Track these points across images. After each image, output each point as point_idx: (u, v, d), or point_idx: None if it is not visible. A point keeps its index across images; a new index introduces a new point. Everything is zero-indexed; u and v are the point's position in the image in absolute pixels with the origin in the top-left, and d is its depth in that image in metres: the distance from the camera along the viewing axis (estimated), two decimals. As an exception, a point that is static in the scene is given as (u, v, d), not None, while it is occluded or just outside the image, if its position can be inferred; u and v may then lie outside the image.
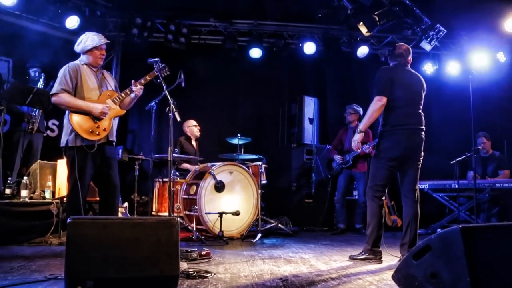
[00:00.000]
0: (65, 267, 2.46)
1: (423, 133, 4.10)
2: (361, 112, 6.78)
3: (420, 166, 4.11)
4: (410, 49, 4.30)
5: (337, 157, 6.85)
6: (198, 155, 6.82)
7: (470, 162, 6.88)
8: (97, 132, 3.88)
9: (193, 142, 7.00)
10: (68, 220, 2.56)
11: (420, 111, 4.14)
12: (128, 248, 2.56)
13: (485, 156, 6.97)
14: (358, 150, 4.33)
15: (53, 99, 3.88)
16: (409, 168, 4.08)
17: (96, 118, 3.88)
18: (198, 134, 7.01)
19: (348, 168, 6.75)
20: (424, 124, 4.12)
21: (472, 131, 5.78)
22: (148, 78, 4.18)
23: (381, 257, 4.05)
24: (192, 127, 6.96)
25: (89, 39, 4.05)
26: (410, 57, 4.27)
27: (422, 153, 4.10)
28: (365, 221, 6.55)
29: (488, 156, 6.97)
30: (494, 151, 7.01)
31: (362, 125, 4.14)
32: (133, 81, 4.11)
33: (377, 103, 4.02)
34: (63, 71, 3.93)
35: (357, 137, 4.19)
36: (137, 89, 4.07)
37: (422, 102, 4.18)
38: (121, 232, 2.58)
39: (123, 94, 4.08)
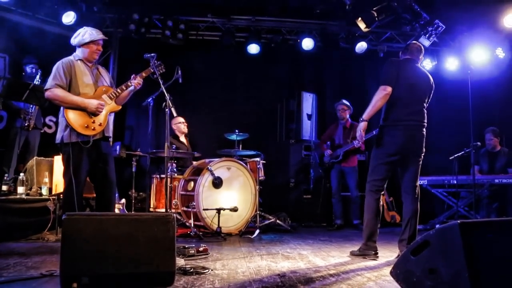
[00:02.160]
0: (60, 263, 2.44)
1: (424, 129, 4.06)
2: (351, 108, 6.83)
3: (421, 162, 4.06)
4: (423, 49, 4.28)
5: (327, 152, 6.88)
6: (190, 151, 6.80)
7: (477, 158, 6.87)
8: (92, 127, 3.86)
9: (182, 139, 6.97)
10: (64, 217, 2.54)
11: (423, 108, 4.09)
12: (124, 244, 2.54)
13: (493, 152, 6.89)
14: (361, 140, 4.22)
15: (47, 94, 3.85)
16: (410, 164, 4.04)
17: (91, 113, 3.86)
18: (185, 130, 7.00)
19: (338, 163, 6.75)
20: (426, 120, 4.08)
21: (470, 126, 5.77)
22: (144, 74, 4.16)
23: (376, 253, 3.99)
24: (179, 124, 6.94)
25: (87, 33, 4.03)
26: (421, 56, 4.24)
27: (424, 150, 4.06)
28: (362, 216, 6.58)
29: (496, 152, 6.89)
30: (503, 147, 6.96)
31: (366, 114, 4.04)
32: (133, 75, 4.09)
33: (382, 92, 3.95)
34: (56, 67, 3.90)
35: (361, 126, 4.08)
36: (136, 82, 4.05)
37: (428, 100, 4.15)
38: (116, 228, 2.56)
39: (119, 90, 4.05)
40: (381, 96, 3.96)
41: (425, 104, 4.11)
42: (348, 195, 7.16)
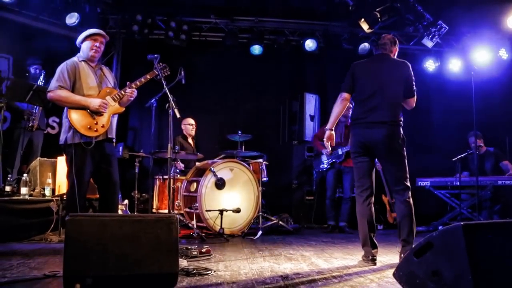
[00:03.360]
0: (63, 264, 2.44)
1: (389, 126, 3.74)
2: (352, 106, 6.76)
3: (399, 162, 3.77)
4: (396, 39, 4.07)
5: (326, 151, 6.50)
6: (196, 152, 6.81)
7: (466, 161, 6.90)
8: (95, 129, 3.86)
9: (190, 140, 7.00)
10: (67, 218, 2.54)
11: (392, 101, 3.79)
12: (127, 246, 2.54)
13: (480, 154, 6.92)
14: (329, 149, 4.20)
15: (49, 95, 3.87)
16: (385, 166, 3.89)
17: (94, 113, 3.86)
18: (192, 133, 7.01)
19: (339, 163, 6.57)
20: (394, 116, 3.76)
21: (474, 128, 5.75)
22: (148, 77, 4.15)
23: (372, 258, 3.75)
24: (187, 126, 6.97)
25: (86, 31, 4.05)
26: (395, 47, 4.03)
27: (396, 148, 3.75)
28: (350, 218, 6.51)
29: (482, 154, 6.95)
30: (487, 147, 7.00)
31: (329, 123, 4.01)
32: (128, 82, 4.08)
33: (338, 99, 3.94)
34: (60, 68, 3.92)
35: (326, 135, 4.03)
36: (129, 92, 4.04)
37: (404, 92, 3.84)
38: (120, 229, 2.56)
39: (122, 92, 4.05)
40: (337, 103, 3.94)
41: (393, 97, 3.80)
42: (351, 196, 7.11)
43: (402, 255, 3.68)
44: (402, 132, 3.83)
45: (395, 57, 4.07)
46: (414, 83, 3.90)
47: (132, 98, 4.10)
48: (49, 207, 4.99)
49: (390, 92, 3.83)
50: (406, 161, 3.84)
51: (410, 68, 3.92)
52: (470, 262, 2.08)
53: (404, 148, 3.84)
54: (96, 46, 4.03)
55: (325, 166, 6.67)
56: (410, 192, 3.80)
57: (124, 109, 4.15)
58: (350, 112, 6.66)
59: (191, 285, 2.80)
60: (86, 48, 4.02)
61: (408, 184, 3.81)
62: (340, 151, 6.47)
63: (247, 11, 7.98)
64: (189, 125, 6.97)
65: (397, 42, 4.11)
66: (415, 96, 3.92)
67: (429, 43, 7.48)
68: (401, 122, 3.83)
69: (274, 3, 7.78)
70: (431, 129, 8.54)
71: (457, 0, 7.09)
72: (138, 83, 4.10)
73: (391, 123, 3.77)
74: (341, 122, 6.72)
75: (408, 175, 3.83)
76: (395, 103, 3.83)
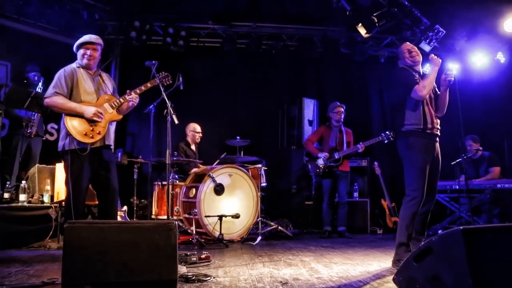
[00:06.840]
0: (62, 271, 2.44)
1: (398, 133, 4.12)
2: None
3: (404, 168, 3.99)
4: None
5: (323, 155, 6.48)
6: (198, 159, 6.81)
7: (461, 166, 6.91)
8: (91, 135, 3.84)
9: (193, 147, 6.99)
10: (65, 225, 2.54)
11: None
12: (126, 252, 2.54)
13: (476, 158, 6.97)
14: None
15: (46, 101, 3.87)
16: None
17: (90, 121, 3.85)
18: (198, 140, 7.00)
19: (336, 166, 6.48)
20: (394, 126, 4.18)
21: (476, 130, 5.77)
22: (148, 85, 4.12)
23: None
24: (194, 133, 6.95)
25: (82, 38, 4.04)
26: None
27: (401, 157, 4.03)
28: (348, 223, 6.49)
29: (478, 158, 6.99)
30: (483, 151, 7.01)
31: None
32: (128, 91, 4.06)
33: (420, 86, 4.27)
34: (58, 75, 3.91)
35: None
36: (132, 97, 4.02)
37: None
38: (118, 236, 2.55)
39: (121, 99, 4.03)
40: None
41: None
42: (352, 201, 7.08)
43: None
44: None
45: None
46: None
47: (134, 104, 4.07)
48: (48, 213, 4.98)
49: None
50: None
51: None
52: (470, 267, 2.07)
53: None
54: (87, 54, 4.01)
55: (322, 169, 6.53)
56: (407, 197, 3.90)
57: (121, 116, 4.13)
58: (343, 117, 6.64)
59: (191, 291, 2.80)
60: (79, 56, 4.02)
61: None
62: (336, 156, 6.43)
63: (244, 16, 7.99)
64: (196, 133, 6.96)
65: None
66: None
67: (426, 47, 7.49)
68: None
69: (272, 9, 7.78)
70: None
71: (454, 4, 7.11)
72: (138, 91, 4.08)
73: (397, 130, 4.18)
74: (334, 127, 6.68)
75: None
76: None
